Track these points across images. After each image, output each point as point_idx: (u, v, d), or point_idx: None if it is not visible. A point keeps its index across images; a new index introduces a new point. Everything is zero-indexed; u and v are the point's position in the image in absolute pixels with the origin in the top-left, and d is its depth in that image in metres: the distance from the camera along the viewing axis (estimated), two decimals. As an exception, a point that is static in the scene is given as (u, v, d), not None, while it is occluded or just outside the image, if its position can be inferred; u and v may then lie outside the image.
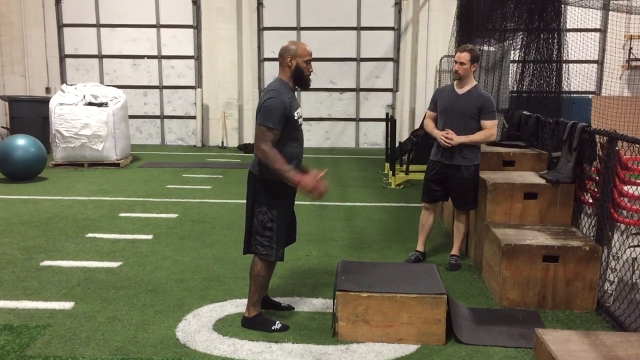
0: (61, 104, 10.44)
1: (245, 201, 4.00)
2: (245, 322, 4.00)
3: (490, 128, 5.09)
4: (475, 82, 5.26)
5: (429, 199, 5.42)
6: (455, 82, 5.27)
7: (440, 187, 5.32)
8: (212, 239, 6.13)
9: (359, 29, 13.91)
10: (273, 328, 3.92)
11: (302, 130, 4.00)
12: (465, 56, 5.08)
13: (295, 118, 3.87)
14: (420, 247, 5.51)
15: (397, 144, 10.25)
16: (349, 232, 6.50)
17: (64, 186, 8.85)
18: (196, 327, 4.00)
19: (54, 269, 5.12)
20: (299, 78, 3.92)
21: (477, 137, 5.09)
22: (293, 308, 4.30)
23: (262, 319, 3.98)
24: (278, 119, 3.71)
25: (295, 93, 4.04)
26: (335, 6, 13.78)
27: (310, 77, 3.99)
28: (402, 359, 3.60)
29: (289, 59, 3.89)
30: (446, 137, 5.09)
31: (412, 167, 9.20)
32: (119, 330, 3.93)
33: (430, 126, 5.32)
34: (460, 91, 5.17)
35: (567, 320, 4.21)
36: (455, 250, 5.43)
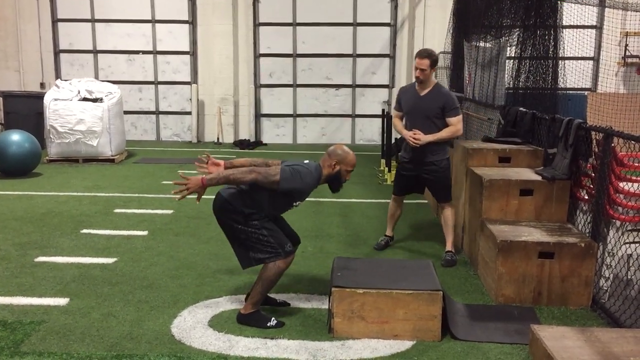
0: (56, 100, 10.39)
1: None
2: (241, 318, 3.99)
3: (456, 124, 5.29)
4: (435, 82, 5.43)
5: (399, 192, 5.66)
6: (417, 83, 5.42)
7: (412, 181, 5.54)
8: (208, 235, 6.12)
9: (355, 24, 13.88)
10: (268, 325, 3.91)
11: (289, 210, 4.08)
12: (425, 62, 5.23)
13: (294, 204, 3.99)
14: (389, 232, 5.83)
15: (393, 140, 10.24)
16: (344, 229, 6.49)
17: (58, 182, 8.81)
18: (191, 323, 3.99)
19: (48, 265, 5.10)
20: (334, 183, 4.01)
21: (443, 134, 5.28)
22: (289, 304, 4.29)
23: (258, 316, 3.97)
24: (287, 188, 3.80)
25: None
26: (331, 2, 13.74)
27: (342, 185, 4.08)
28: (397, 355, 3.60)
29: (335, 162, 3.95)
30: (414, 138, 5.26)
31: (408, 164, 9.16)
32: (113, 326, 3.92)
33: (399, 126, 5.54)
34: (422, 93, 5.35)
35: (562, 316, 4.21)
36: (449, 246, 5.45)
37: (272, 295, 4.30)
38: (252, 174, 3.75)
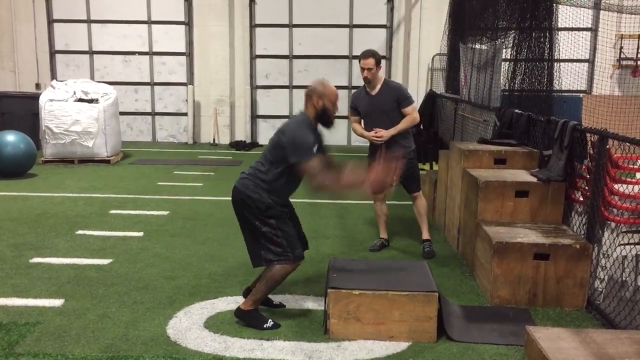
0: (51, 100, 10.36)
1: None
2: (239, 313, 3.97)
3: (412, 113, 5.48)
4: (382, 78, 5.57)
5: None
6: (365, 85, 5.54)
7: None
8: (204, 236, 6.11)
9: (351, 26, 13.89)
10: (265, 326, 3.91)
11: None
12: (370, 62, 5.38)
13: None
14: (383, 234, 5.86)
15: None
16: (340, 230, 6.49)
17: (54, 183, 8.79)
18: (187, 324, 3.98)
19: (43, 266, 5.09)
20: (324, 118, 4.03)
21: (403, 125, 5.44)
22: (284, 306, 4.30)
23: (256, 315, 3.97)
24: (309, 146, 3.79)
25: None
26: (327, 3, 13.74)
27: (334, 117, 4.09)
28: (393, 357, 3.60)
29: (316, 98, 3.96)
30: (376, 136, 5.41)
31: (403, 165, 9.17)
32: (109, 327, 3.91)
33: (359, 130, 5.69)
34: (373, 92, 5.50)
35: (557, 317, 4.23)
36: (426, 235, 5.70)
37: (269, 296, 4.29)
38: (322, 190, 3.87)
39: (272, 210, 3.87)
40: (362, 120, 5.67)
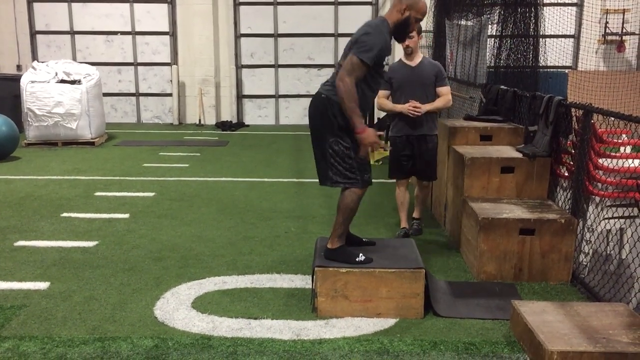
0: (33, 82, 10.20)
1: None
2: (328, 253, 3.90)
3: (447, 94, 5.36)
4: (422, 54, 5.43)
5: (401, 174, 5.45)
6: (403, 57, 5.38)
7: (409, 160, 5.38)
8: (190, 217, 6.08)
9: (336, 3, 13.76)
10: (357, 260, 3.83)
11: (383, 80, 3.94)
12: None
13: (384, 62, 3.86)
14: (404, 223, 5.49)
15: (375, 120, 10.24)
16: (327, 209, 6.49)
17: (37, 165, 8.69)
18: (174, 305, 3.97)
19: (28, 249, 5.04)
20: (401, 30, 3.86)
21: (439, 103, 5.30)
22: (374, 243, 4.18)
23: (345, 251, 3.89)
24: (374, 55, 3.66)
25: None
26: (312, -19, 13.60)
27: (410, 34, 3.95)
28: (380, 333, 3.62)
29: (405, 7, 3.79)
30: (414, 108, 5.17)
31: (390, 143, 9.17)
32: (95, 309, 3.89)
33: (388, 105, 5.35)
34: (412, 64, 5.32)
35: (543, 291, 4.27)
36: (416, 214, 5.65)
37: (254, 276, 4.28)
38: (340, 87, 3.65)
39: (349, 130, 3.73)
40: (395, 94, 5.34)
